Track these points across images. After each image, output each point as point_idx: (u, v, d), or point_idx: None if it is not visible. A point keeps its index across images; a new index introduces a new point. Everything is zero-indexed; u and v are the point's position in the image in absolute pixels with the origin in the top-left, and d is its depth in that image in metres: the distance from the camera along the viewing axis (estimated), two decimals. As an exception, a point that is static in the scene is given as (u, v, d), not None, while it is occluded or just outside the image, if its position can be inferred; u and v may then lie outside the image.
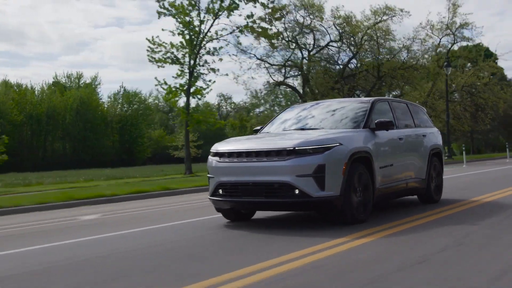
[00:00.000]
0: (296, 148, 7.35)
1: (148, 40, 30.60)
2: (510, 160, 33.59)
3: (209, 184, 8.25)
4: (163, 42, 30.62)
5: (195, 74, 31.08)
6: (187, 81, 31.06)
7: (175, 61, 30.66)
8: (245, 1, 29.78)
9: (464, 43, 44.83)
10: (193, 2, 29.82)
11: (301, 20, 34.34)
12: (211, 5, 30.46)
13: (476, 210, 9.20)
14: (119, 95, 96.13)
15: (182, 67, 30.88)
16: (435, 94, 42.04)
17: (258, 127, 9.92)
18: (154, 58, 30.68)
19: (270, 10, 30.80)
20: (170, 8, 30.51)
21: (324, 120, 9.14)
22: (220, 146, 8.25)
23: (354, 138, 8.03)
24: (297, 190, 7.27)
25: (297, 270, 5.11)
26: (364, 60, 35.82)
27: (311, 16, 33.88)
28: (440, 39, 41.59)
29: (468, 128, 49.24)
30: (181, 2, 30.30)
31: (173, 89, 30.89)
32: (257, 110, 56.96)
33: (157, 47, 30.42)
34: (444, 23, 41.31)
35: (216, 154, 8.11)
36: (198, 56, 30.87)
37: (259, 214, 9.24)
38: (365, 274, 4.94)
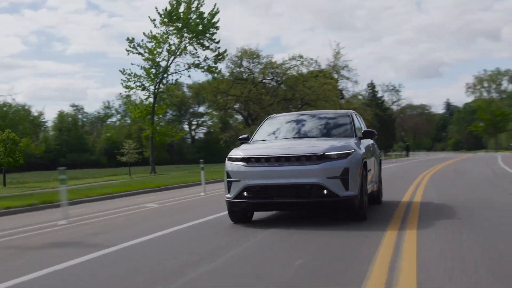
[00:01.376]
0: (326, 153, 7.92)
1: (121, 72, 39.92)
2: (396, 159, 49.10)
3: (230, 188, 8.44)
4: (134, 73, 40.12)
5: (158, 97, 40.90)
6: (151, 104, 40.83)
7: (143, 88, 40.26)
8: (203, 48, 40.66)
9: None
10: (161, 46, 39.65)
11: (245, 64, 46.27)
12: (170, 48, 40.68)
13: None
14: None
15: (148, 93, 40.55)
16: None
17: (244, 136, 10.11)
18: (127, 85, 40.11)
19: (216, 53, 41.77)
20: (138, 48, 40.02)
21: (317, 130, 9.77)
22: (243, 153, 8.49)
23: (358, 145, 8.69)
24: (325, 190, 7.80)
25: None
26: (287, 92, 48.34)
27: (250, 61, 45.75)
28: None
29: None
30: (145, 43, 40.18)
31: (141, 109, 40.62)
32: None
33: (131, 78, 39.80)
34: (330, 65, 57.13)
35: (243, 159, 8.34)
36: (160, 84, 40.75)
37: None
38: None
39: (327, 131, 9.71)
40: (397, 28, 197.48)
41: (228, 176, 8.48)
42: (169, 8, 39.29)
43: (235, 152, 8.63)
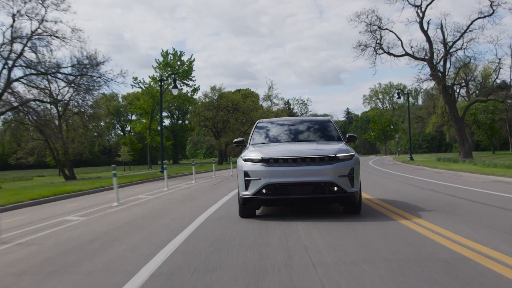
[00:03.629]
0: (337, 155, 8.79)
1: (125, 98, 58.96)
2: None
3: (248, 186, 8.93)
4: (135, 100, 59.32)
5: (153, 118, 60.27)
6: (148, 120, 60.03)
7: (145, 112, 59.30)
8: (184, 86, 60.76)
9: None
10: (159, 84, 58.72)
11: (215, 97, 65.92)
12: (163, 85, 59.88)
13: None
14: None
15: (147, 115, 59.65)
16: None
17: (240, 139, 10.83)
18: (134, 110, 59.31)
19: (192, 88, 61.84)
20: (139, 84, 58.78)
21: (312, 134, 10.76)
22: (262, 154, 9.00)
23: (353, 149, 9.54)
24: (336, 187, 8.64)
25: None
26: (239, 115, 67.63)
27: (217, 94, 65.58)
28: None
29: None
30: (149, 82, 59.15)
31: (142, 125, 59.85)
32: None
33: (135, 105, 58.94)
34: (266, 95, 78.47)
35: (262, 160, 8.86)
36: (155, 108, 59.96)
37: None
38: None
39: (320, 136, 10.69)
40: (300, 35, 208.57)
41: (247, 175, 8.95)
42: (162, 58, 58.93)
43: (252, 154, 9.14)
